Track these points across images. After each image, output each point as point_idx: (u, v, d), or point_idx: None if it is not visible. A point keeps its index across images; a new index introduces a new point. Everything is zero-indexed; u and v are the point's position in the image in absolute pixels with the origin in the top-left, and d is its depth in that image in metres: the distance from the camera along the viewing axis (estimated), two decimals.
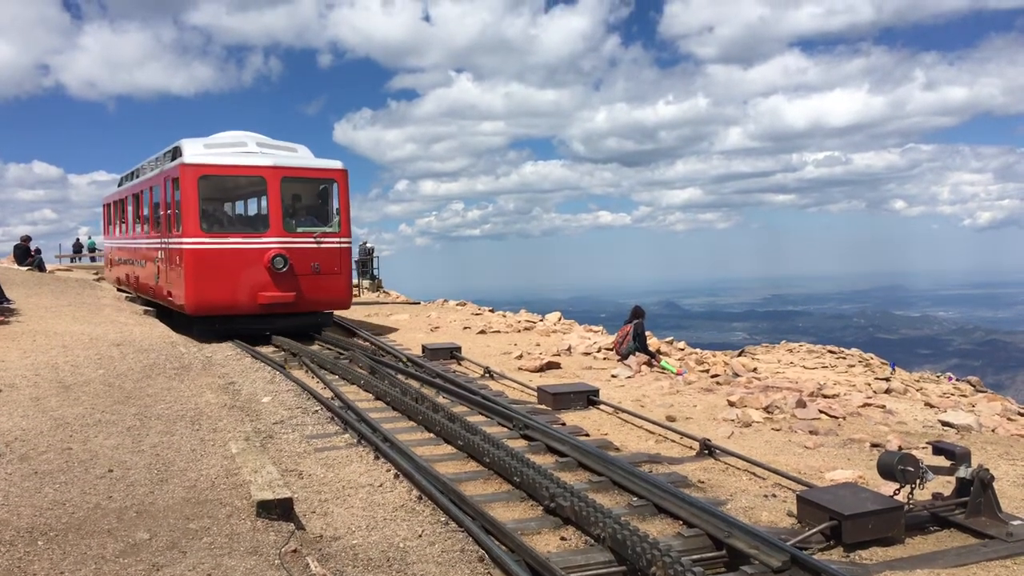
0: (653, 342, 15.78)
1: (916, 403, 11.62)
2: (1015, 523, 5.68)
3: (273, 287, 15.38)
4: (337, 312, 18.06)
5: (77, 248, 43.15)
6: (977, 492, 5.78)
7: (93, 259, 41.61)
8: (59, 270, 33.07)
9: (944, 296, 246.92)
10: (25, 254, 30.85)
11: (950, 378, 18.03)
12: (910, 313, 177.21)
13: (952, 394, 14.34)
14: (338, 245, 16.38)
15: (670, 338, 17.63)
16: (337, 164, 16.78)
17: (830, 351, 20.41)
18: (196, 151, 15.86)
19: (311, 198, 17.27)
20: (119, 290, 23.23)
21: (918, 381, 16.49)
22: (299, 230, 15.98)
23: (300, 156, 17.04)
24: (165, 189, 16.85)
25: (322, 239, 16.05)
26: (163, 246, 16.97)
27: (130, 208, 21.92)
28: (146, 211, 19.65)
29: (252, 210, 19.52)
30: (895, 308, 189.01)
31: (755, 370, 14.67)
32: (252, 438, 7.32)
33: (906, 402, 11.66)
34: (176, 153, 16.53)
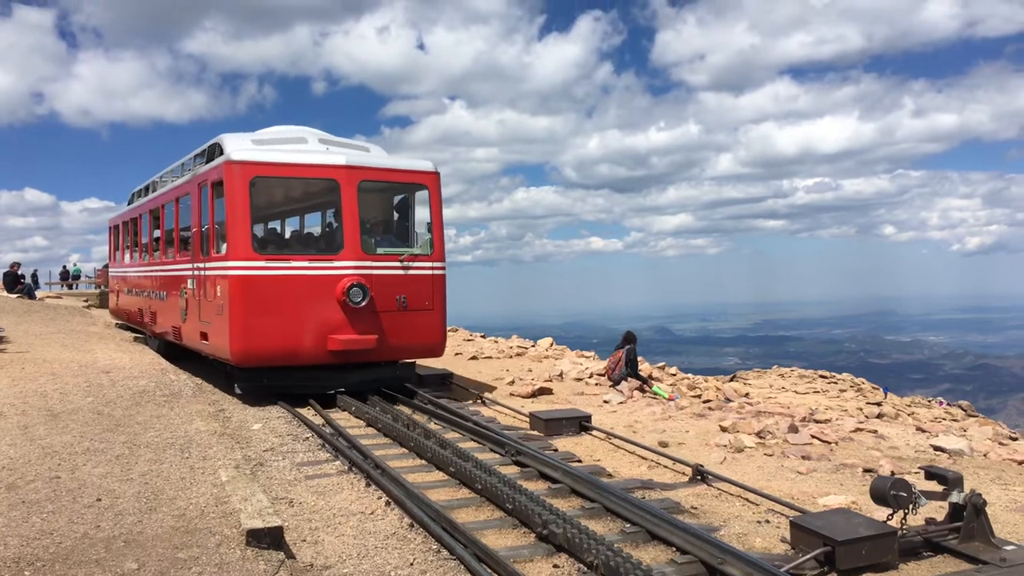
0: (645, 367, 15.79)
1: (908, 428, 11.64)
2: (1008, 548, 5.67)
3: (348, 328, 11.47)
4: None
5: (64, 275, 43.05)
6: (970, 517, 5.77)
7: (73, 287, 41.54)
8: (49, 297, 32.93)
9: (934, 321, 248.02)
10: (15, 281, 30.74)
11: (941, 403, 18.08)
12: (901, 338, 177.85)
13: (944, 419, 14.38)
14: (430, 272, 12.41)
15: (662, 363, 17.65)
16: (428, 165, 12.87)
17: (822, 376, 20.46)
18: (243, 146, 12.00)
19: (391, 209, 13.69)
20: (122, 327, 21.05)
21: (910, 406, 16.53)
22: (379, 251, 12.10)
23: (376, 155, 13.09)
24: (200, 199, 13.04)
25: (410, 263, 12.18)
26: (195, 273, 13.03)
27: (145, 228, 18.18)
28: (169, 228, 15.58)
29: (310, 224, 15.67)
30: (886, 333, 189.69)
31: (747, 395, 14.68)
32: (242, 466, 7.26)
33: (898, 427, 11.67)
34: (215, 151, 12.84)
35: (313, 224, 15.42)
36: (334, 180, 11.89)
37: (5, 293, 29.22)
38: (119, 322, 22.16)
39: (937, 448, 9.50)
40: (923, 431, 11.24)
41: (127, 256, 20.74)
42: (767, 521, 6.54)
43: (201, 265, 12.66)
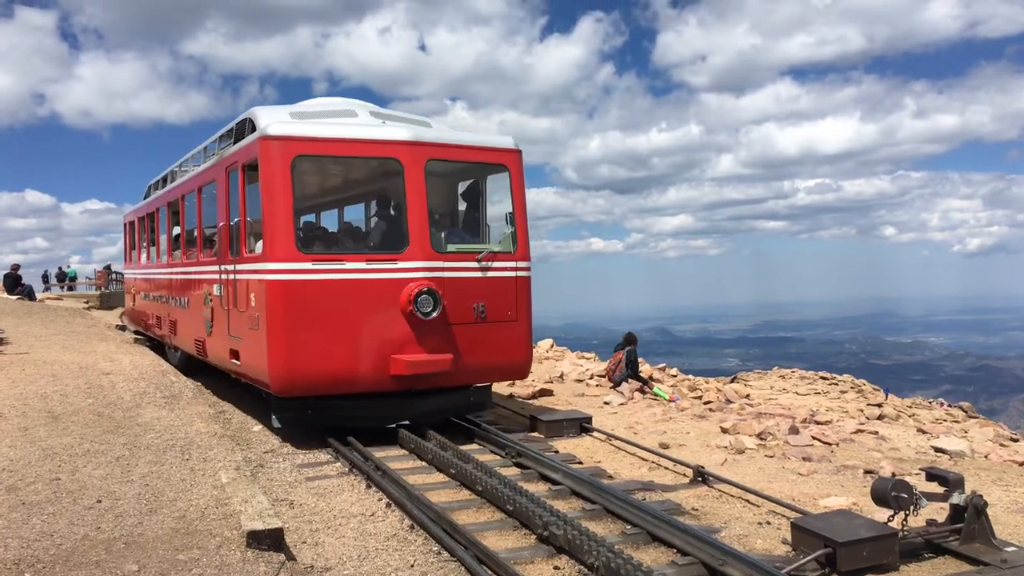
0: (645, 369, 15.79)
1: (909, 429, 11.64)
2: (1009, 549, 5.66)
3: (416, 345, 9.24)
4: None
5: (60, 277, 42.93)
6: (971, 518, 5.76)
7: (72, 288, 41.45)
8: (49, 299, 32.98)
9: (935, 322, 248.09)
10: (15, 283, 30.77)
11: (942, 404, 18.08)
12: (901, 339, 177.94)
13: (944, 420, 14.38)
14: (513, 273, 10.11)
15: (662, 365, 17.65)
16: (509, 141, 10.49)
17: (822, 377, 20.45)
18: (281, 119, 9.72)
19: (455, 197, 11.34)
20: (139, 334, 18.87)
21: (910, 407, 16.52)
22: (451, 248, 9.84)
23: (441, 130, 10.57)
24: (227, 186, 10.80)
25: (489, 263, 9.91)
26: (222, 276, 10.79)
27: (163, 223, 15.88)
28: (191, 223, 13.48)
29: (352, 216, 13.19)
30: (886, 334, 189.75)
31: (748, 396, 14.68)
32: (242, 467, 7.26)
33: (899, 428, 11.67)
34: (246, 128, 10.59)
35: (354, 217, 13.05)
36: (396, 160, 9.54)
37: (5, 295, 29.24)
38: (135, 329, 19.88)
39: (938, 449, 9.50)
40: (924, 432, 11.24)
41: (143, 256, 18.31)
42: (768, 522, 6.54)
43: (230, 268, 10.41)
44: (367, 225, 11.88)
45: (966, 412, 16.77)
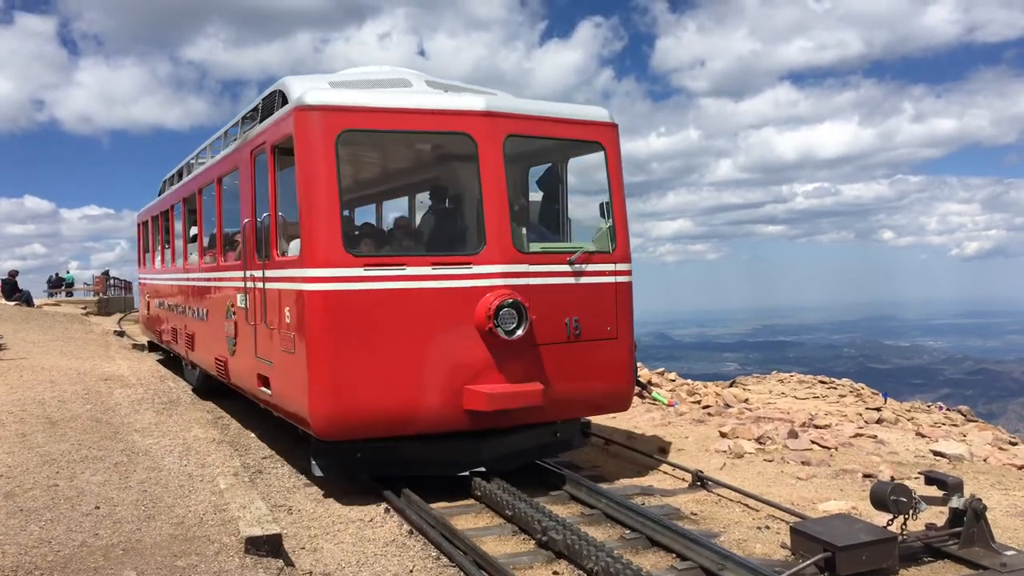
0: (644, 373, 15.79)
1: (908, 433, 11.62)
2: (1009, 553, 5.66)
3: (496, 372, 7.36)
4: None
5: (56, 283, 42.84)
6: (970, 522, 5.76)
7: (71, 294, 41.37)
8: (47, 305, 32.95)
9: (933, 326, 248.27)
10: (13, 289, 30.75)
11: (941, 407, 18.07)
12: (900, 343, 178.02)
13: (943, 424, 14.37)
14: (612, 279, 8.20)
15: (661, 369, 17.64)
16: (603, 113, 8.51)
17: (821, 381, 20.43)
18: (320, 87, 7.81)
19: (540, 183, 9.13)
20: (154, 347, 17.69)
21: (909, 411, 16.51)
22: (534, 249, 7.93)
23: (521, 101, 8.52)
24: (253, 173, 8.96)
25: (583, 266, 8.00)
26: (248, 284, 8.95)
27: (178, 222, 14.08)
28: (210, 223, 11.66)
29: (401, 206, 11.12)
30: (885, 338, 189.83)
31: (747, 401, 14.67)
32: (241, 473, 7.24)
33: (897, 432, 11.66)
34: (275, 102, 8.63)
35: (402, 211, 10.84)
36: (468, 136, 7.55)
37: (3, 300, 29.21)
38: (149, 341, 18.62)
39: (937, 453, 9.49)
40: (923, 436, 11.22)
41: (157, 260, 16.28)
42: (767, 527, 6.54)
43: (257, 274, 8.56)
44: (416, 220, 9.64)
45: (965, 416, 16.76)
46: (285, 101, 8.18)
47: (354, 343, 7.09)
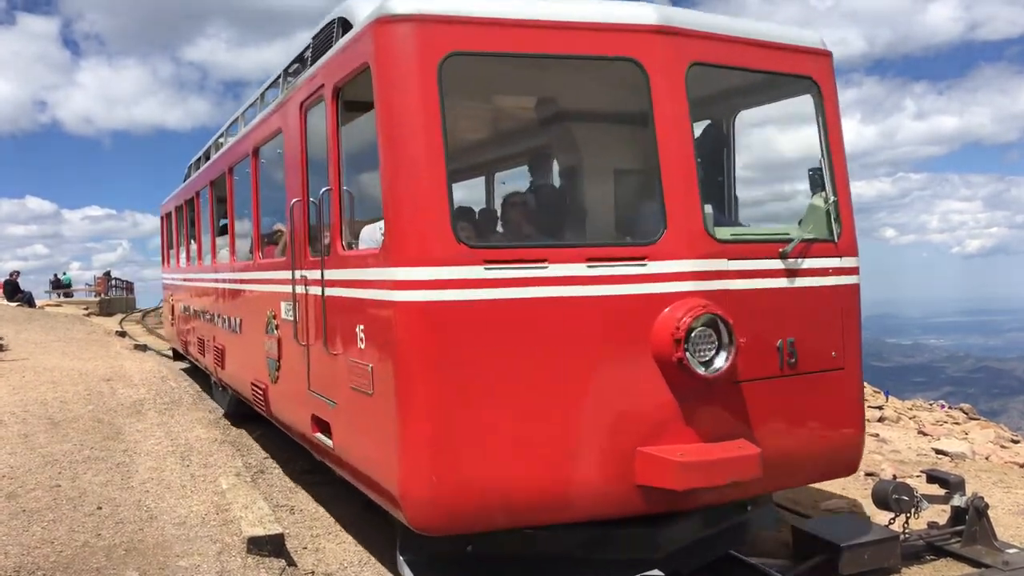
0: None
1: (909, 431, 11.63)
2: (1011, 551, 5.66)
3: (684, 425, 4.67)
4: None
5: (56, 284, 42.92)
6: (972, 520, 5.76)
7: (70, 295, 41.44)
8: (49, 305, 33.01)
9: (935, 324, 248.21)
10: (15, 290, 30.81)
11: (943, 406, 18.05)
12: (902, 341, 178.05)
13: (945, 422, 14.36)
14: (835, 280, 5.49)
15: None
16: (815, 38, 5.73)
17: None
18: None
19: (699, 140, 5.35)
20: (178, 356, 15.85)
21: (911, 409, 16.50)
22: (725, 236, 5.05)
23: (704, 15, 5.38)
24: (303, 134, 6.36)
25: (799, 261, 5.28)
26: (298, 289, 6.27)
27: (205, 212, 11.52)
28: (243, 208, 8.98)
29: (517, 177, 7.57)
30: (887, 336, 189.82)
31: None
32: (243, 473, 7.25)
33: (899, 430, 11.66)
34: (334, 34, 6.12)
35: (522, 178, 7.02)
36: (635, 63, 4.87)
37: (5, 302, 29.26)
38: (172, 348, 16.59)
39: (939, 451, 9.49)
40: (925, 434, 11.23)
41: (181, 256, 13.81)
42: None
43: (312, 275, 5.95)
44: (533, 198, 6.09)
45: (967, 414, 16.74)
46: (348, 26, 5.77)
47: (474, 384, 4.54)
